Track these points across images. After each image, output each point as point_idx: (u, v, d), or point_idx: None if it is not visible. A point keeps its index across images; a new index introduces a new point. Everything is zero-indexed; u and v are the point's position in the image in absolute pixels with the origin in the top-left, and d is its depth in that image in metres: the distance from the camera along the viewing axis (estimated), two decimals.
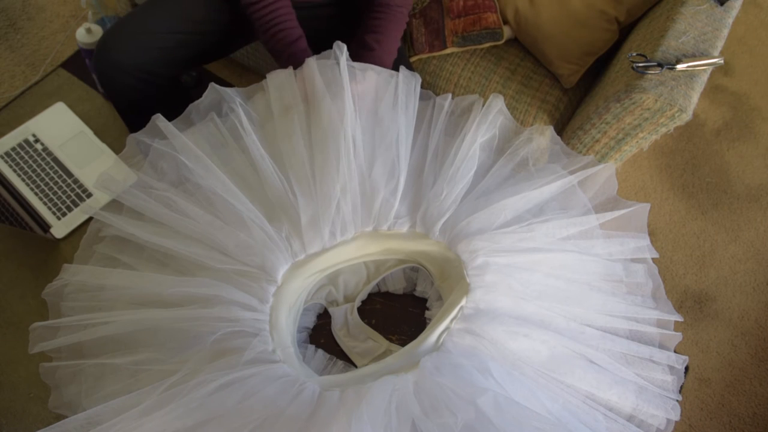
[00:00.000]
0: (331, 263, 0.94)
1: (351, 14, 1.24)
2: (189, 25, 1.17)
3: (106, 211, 0.94)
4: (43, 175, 1.45)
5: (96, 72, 1.21)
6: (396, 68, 1.08)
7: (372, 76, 1.03)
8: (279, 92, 1.03)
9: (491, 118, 1.02)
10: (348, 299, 1.00)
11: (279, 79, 1.04)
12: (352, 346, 0.95)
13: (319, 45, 1.09)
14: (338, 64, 0.99)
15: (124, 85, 1.18)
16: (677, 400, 0.88)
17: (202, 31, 1.19)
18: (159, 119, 0.97)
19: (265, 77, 1.04)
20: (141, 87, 1.18)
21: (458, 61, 1.37)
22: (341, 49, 1.00)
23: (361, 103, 1.00)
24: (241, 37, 1.28)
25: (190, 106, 1.02)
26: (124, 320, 0.84)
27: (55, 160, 1.48)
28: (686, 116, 1.03)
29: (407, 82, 1.03)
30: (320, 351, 0.95)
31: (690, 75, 1.05)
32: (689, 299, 1.65)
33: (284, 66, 1.05)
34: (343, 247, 0.94)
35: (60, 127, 1.52)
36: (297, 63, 1.04)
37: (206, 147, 0.99)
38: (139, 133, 0.99)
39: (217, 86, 1.04)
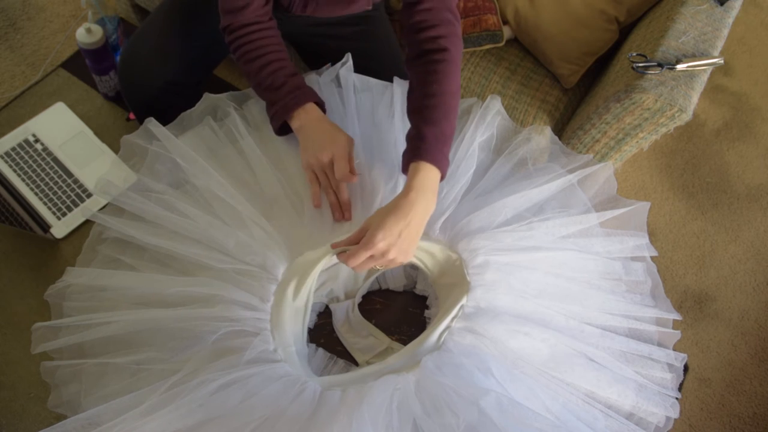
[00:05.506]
0: (331, 258, 0.95)
1: (375, 34, 1.21)
2: (207, 28, 1.17)
3: (107, 214, 0.94)
4: (43, 175, 1.46)
5: (122, 85, 1.21)
6: (399, 74, 1.09)
7: None
8: None
9: (489, 118, 1.03)
10: (348, 295, 1.01)
11: None
12: (354, 342, 0.96)
13: (332, 56, 1.08)
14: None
15: (151, 97, 1.17)
16: (676, 398, 0.88)
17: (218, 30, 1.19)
18: (151, 123, 0.98)
19: None
20: (167, 97, 1.18)
21: None
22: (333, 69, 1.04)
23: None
24: None
25: (182, 114, 1.03)
26: (125, 320, 0.84)
27: (55, 160, 1.48)
28: (686, 116, 1.03)
29: (404, 91, 1.04)
30: (320, 350, 0.95)
31: (690, 75, 1.05)
32: (689, 299, 1.65)
33: (285, 100, 0.94)
34: None
35: (60, 127, 1.53)
36: (303, 96, 0.94)
37: (204, 149, 0.99)
38: (132, 135, 1.00)
39: (211, 95, 1.05)
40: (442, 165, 0.87)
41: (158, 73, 1.15)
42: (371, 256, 0.80)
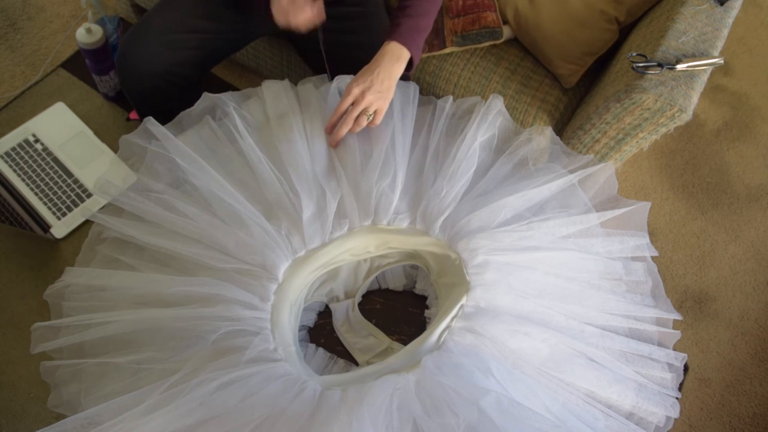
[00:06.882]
0: (331, 257, 0.95)
1: (372, 27, 1.21)
2: (206, 23, 1.17)
3: (107, 214, 0.94)
4: (43, 175, 1.46)
5: (120, 78, 1.20)
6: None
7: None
8: (275, 100, 1.05)
9: (491, 118, 1.03)
10: (348, 295, 1.01)
11: (275, 87, 1.06)
12: (354, 342, 0.96)
13: (328, 49, 1.09)
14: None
15: (149, 89, 1.17)
16: (676, 398, 0.88)
17: (219, 29, 1.19)
18: (150, 122, 0.98)
19: (264, 78, 1.05)
20: (166, 88, 1.18)
21: (458, 60, 1.37)
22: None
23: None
24: (249, 34, 1.28)
25: (182, 113, 1.03)
26: (125, 320, 0.84)
27: (55, 160, 1.48)
28: (686, 116, 1.03)
29: (404, 92, 1.05)
30: (321, 350, 0.96)
31: (690, 75, 1.05)
32: (689, 299, 1.65)
33: None
34: (342, 241, 0.94)
35: (60, 127, 1.53)
36: None
37: (203, 149, 0.99)
38: (131, 135, 1.00)
39: (211, 94, 1.05)
40: (413, 49, 1.00)
41: (156, 64, 1.14)
42: (354, 103, 0.96)
